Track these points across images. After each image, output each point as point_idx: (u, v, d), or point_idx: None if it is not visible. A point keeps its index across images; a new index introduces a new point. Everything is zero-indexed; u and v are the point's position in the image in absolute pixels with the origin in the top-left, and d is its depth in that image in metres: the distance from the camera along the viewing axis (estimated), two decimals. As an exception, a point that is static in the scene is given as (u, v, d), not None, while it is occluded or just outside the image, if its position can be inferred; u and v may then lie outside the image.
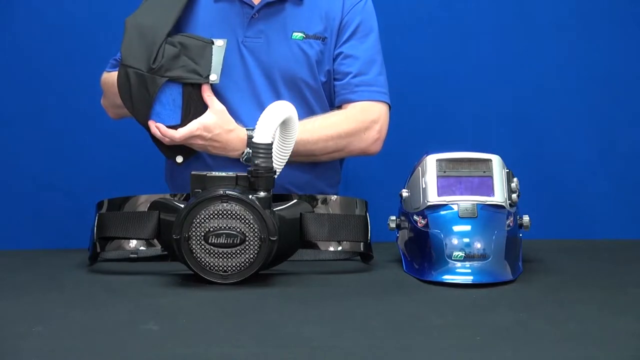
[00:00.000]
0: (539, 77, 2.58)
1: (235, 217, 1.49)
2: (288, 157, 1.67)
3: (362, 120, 1.96)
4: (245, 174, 1.54)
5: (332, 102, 2.00)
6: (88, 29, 2.48)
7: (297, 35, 1.95)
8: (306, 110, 1.94)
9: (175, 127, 1.82)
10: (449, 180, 1.63)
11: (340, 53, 1.97)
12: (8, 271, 1.70)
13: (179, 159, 1.90)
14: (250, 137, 1.83)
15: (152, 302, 1.42)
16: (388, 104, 1.99)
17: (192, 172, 1.55)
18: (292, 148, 1.66)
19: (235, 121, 1.87)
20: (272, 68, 1.93)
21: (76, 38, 2.48)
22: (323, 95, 1.97)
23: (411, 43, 2.54)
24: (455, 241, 1.56)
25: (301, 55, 1.94)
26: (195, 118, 1.83)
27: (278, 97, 1.89)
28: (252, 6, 1.95)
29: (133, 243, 1.67)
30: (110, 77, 1.96)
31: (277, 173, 1.61)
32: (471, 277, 1.53)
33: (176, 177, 1.96)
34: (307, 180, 1.95)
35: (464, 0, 2.57)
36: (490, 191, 1.61)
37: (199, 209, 1.49)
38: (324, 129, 1.93)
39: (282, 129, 1.63)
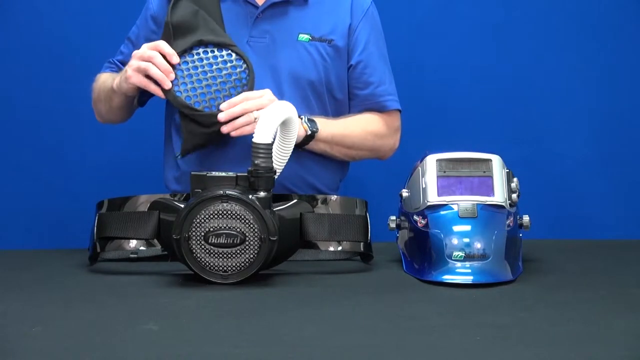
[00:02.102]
0: (539, 77, 2.57)
1: (235, 217, 1.49)
2: (288, 157, 1.67)
3: (391, 126, 2.03)
4: (245, 174, 1.54)
5: (332, 103, 2.00)
6: (88, 29, 2.48)
7: (304, 37, 1.95)
8: (306, 111, 1.93)
9: None
10: (449, 180, 1.63)
11: (360, 62, 1.98)
12: (8, 271, 1.70)
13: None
14: None
15: (152, 302, 1.42)
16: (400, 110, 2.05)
17: (192, 172, 1.55)
18: (292, 148, 1.66)
19: None
20: (277, 68, 1.93)
21: (76, 38, 2.48)
22: (325, 96, 1.97)
23: (411, 43, 2.53)
24: (455, 241, 1.56)
25: (307, 57, 1.94)
26: None
27: (281, 97, 1.89)
28: (256, 6, 1.95)
29: (133, 243, 1.67)
30: (103, 76, 1.98)
31: (277, 173, 1.61)
32: (471, 277, 1.53)
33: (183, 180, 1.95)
34: (302, 177, 1.95)
35: (464, 1, 2.57)
36: (490, 191, 1.61)
37: (199, 209, 1.49)
38: (365, 124, 1.99)
39: (282, 129, 1.63)
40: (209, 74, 1.81)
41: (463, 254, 1.54)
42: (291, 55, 1.94)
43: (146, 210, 1.62)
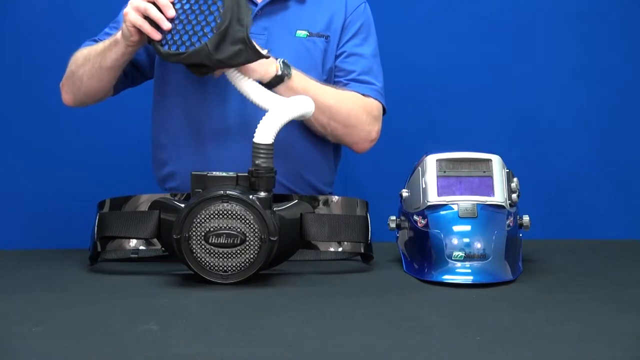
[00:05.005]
0: (539, 77, 2.58)
1: (236, 217, 1.49)
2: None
3: (369, 112, 1.94)
4: (246, 174, 1.54)
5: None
6: (88, 29, 2.47)
7: (301, 33, 1.95)
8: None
9: None
10: (449, 180, 1.63)
11: (344, 52, 1.98)
12: (8, 271, 1.70)
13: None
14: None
15: (152, 302, 1.42)
16: (384, 108, 2.00)
17: (193, 172, 1.55)
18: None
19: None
20: None
21: (77, 38, 2.48)
22: None
23: (411, 43, 2.54)
24: (455, 241, 1.56)
25: (305, 53, 1.95)
26: None
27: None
28: (255, 3, 1.95)
29: (133, 243, 1.67)
30: (88, 47, 1.96)
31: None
32: (471, 277, 1.53)
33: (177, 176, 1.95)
34: (298, 172, 1.94)
35: (464, 0, 2.57)
36: (490, 191, 1.61)
37: (199, 208, 1.49)
38: (344, 95, 1.91)
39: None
40: (187, 14, 1.71)
41: (463, 254, 1.54)
42: (289, 51, 1.94)
43: (147, 209, 1.62)
